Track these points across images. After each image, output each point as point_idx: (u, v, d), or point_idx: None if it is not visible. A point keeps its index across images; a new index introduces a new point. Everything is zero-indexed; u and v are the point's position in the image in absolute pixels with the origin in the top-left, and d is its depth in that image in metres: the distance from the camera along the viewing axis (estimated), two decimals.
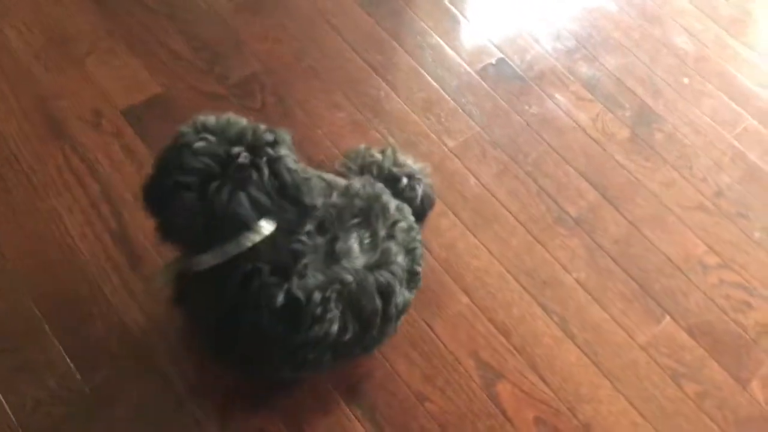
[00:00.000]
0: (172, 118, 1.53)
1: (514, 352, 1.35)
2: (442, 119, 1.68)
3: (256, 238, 0.92)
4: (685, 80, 1.93)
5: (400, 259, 1.12)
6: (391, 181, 1.30)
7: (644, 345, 1.41)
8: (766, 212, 1.69)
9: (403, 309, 1.16)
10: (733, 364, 1.43)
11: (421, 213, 1.36)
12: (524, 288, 1.45)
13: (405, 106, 1.69)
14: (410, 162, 1.39)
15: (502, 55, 1.85)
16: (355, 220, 1.10)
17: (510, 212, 1.55)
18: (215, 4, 1.76)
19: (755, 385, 1.40)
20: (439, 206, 1.53)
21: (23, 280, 1.28)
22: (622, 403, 1.34)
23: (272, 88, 1.64)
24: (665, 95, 1.88)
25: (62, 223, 1.35)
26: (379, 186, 1.21)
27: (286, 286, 0.97)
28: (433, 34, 1.85)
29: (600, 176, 1.66)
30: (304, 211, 0.97)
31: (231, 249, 0.92)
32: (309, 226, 1.00)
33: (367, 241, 1.09)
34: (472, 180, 1.59)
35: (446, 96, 1.73)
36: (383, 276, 1.07)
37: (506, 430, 1.27)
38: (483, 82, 1.78)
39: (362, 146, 1.38)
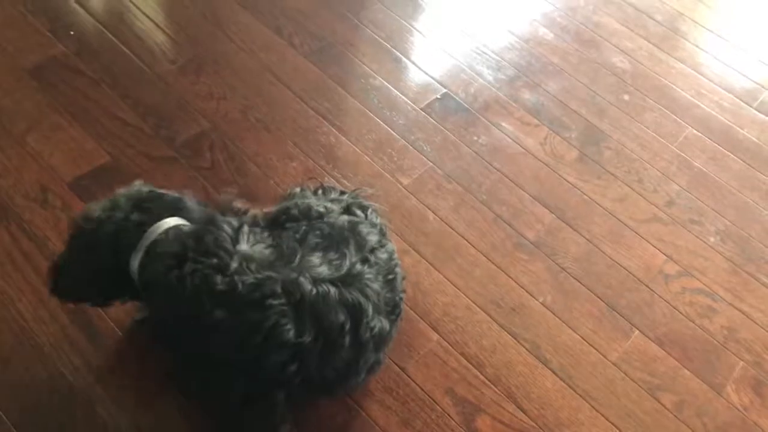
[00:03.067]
0: (121, 185, 1.50)
1: (489, 384, 1.34)
2: (395, 158, 1.70)
3: (163, 227, 1.05)
4: (626, 97, 1.99)
5: (375, 285, 1.09)
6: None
7: (617, 361, 1.42)
8: (717, 216, 1.73)
9: (381, 338, 1.11)
10: (706, 370, 1.44)
11: None
12: (492, 318, 1.44)
13: (357, 149, 1.70)
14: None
15: (446, 90, 1.89)
16: (321, 241, 1.09)
17: (470, 243, 1.56)
18: (157, 68, 1.76)
19: (730, 390, 1.41)
20: (400, 244, 1.53)
21: None
22: (603, 423, 1.33)
23: (222, 145, 1.63)
24: (608, 113, 1.93)
25: (14, 307, 1.31)
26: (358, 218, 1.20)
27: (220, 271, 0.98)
28: (377, 77, 1.88)
29: (554, 198, 1.69)
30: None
31: (147, 238, 1.04)
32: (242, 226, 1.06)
33: (334, 260, 1.07)
34: (431, 215, 1.60)
35: (396, 135, 1.75)
36: (351, 294, 1.04)
37: None
38: (430, 118, 1.81)
39: (297, 188, 1.33)
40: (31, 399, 1.20)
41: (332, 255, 1.07)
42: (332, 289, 1.02)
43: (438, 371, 1.35)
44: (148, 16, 1.87)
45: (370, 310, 1.06)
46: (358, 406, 1.27)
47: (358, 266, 1.07)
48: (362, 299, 1.04)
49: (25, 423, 1.17)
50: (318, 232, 1.11)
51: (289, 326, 0.98)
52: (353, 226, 1.14)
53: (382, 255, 1.15)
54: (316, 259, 1.05)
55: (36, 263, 1.37)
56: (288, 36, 1.92)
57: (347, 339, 1.03)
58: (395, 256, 1.20)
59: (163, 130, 1.63)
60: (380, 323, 1.09)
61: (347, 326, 1.03)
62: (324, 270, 1.04)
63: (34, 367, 1.24)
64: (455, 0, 2.19)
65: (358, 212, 1.23)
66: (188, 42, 1.85)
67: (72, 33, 1.77)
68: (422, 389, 1.32)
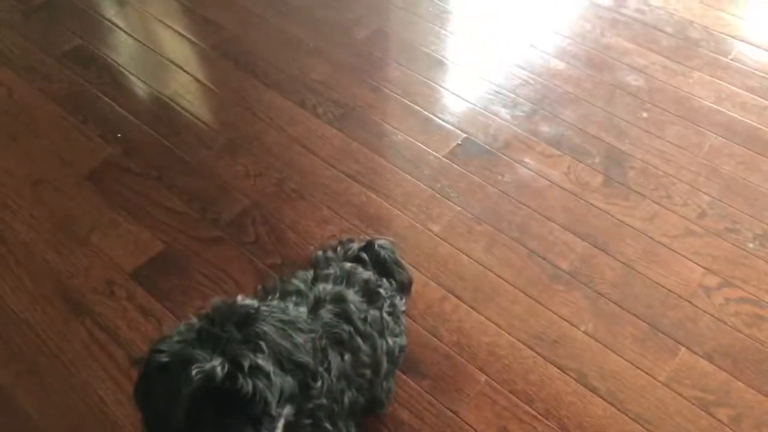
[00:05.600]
0: (177, 270, 1.65)
1: (541, 418, 1.38)
2: (423, 208, 1.78)
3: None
4: (645, 114, 2.02)
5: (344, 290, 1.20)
6: (358, 259, 1.39)
7: (666, 381, 1.43)
8: (753, 220, 1.73)
9: (378, 324, 1.21)
10: (760, 379, 1.43)
11: (395, 277, 1.42)
12: (537, 352, 1.49)
13: (387, 205, 1.79)
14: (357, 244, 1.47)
15: (466, 135, 1.97)
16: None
17: (507, 281, 1.62)
18: (197, 156, 1.91)
19: None
20: (439, 291, 1.60)
21: None
22: None
23: (262, 219, 1.76)
24: (629, 134, 1.97)
25: (96, 394, 1.44)
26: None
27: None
28: (399, 132, 1.98)
29: (584, 226, 1.73)
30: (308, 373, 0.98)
31: None
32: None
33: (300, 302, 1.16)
34: (465, 259, 1.67)
35: (422, 185, 1.83)
36: (337, 307, 1.15)
37: None
38: (453, 164, 1.89)
39: (319, 252, 1.47)
40: None
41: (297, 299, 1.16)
42: (326, 315, 1.12)
43: (489, 411, 1.39)
44: (185, 109, 2.04)
45: (354, 308, 1.17)
46: None
47: (320, 286, 1.19)
48: (344, 305, 1.16)
49: None
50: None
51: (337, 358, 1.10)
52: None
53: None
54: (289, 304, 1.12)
55: (111, 352, 1.50)
56: (312, 107, 2.05)
57: (358, 339, 1.15)
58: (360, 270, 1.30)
59: (209, 212, 1.77)
60: (370, 313, 1.20)
61: (351, 329, 1.14)
62: (303, 309, 1.10)
63: None
64: (466, 47, 2.28)
65: (364, 255, 1.37)
66: (222, 127, 2.00)
67: (119, 135, 1.95)
68: (475, 430, 1.37)
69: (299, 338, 0.94)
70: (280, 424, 0.90)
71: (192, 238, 1.71)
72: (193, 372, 0.82)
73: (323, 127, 1.99)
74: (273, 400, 0.86)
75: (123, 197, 1.81)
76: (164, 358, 0.86)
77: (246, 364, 0.84)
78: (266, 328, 0.89)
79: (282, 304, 1.00)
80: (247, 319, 0.89)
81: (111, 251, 1.69)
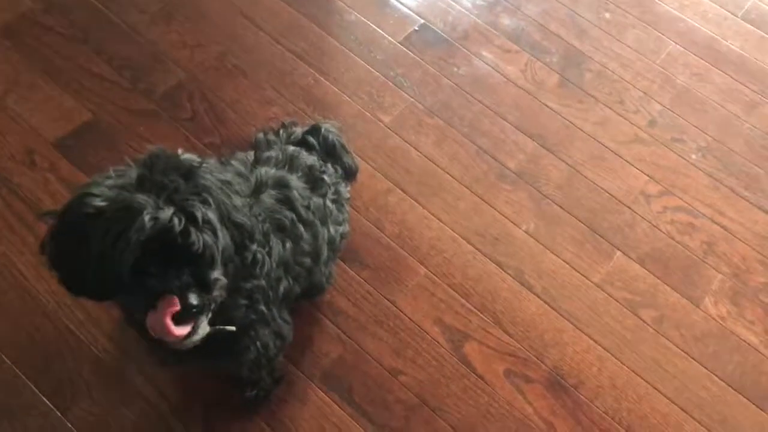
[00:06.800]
0: (105, 142, 1.53)
1: (476, 311, 1.40)
2: (374, 96, 1.70)
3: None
4: (607, 15, 1.96)
5: (285, 174, 1.14)
6: (304, 142, 1.31)
7: (599, 283, 1.47)
8: (699, 132, 1.75)
9: (321, 211, 1.17)
10: (685, 285, 1.49)
11: (342, 162, 1.34)
12: (477, 248, 1.49)
13: (336, 89, 1.70)
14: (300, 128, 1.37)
15: (423, 21, 1.86)
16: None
17: (453, 177, 1.59)
18: (129, 20, 1.73)
19: (708, 302, 1.48)
20: (384, 183, 1.56)
21: None
22: (586, 341, 1.40)
23: (200, 94, 1.63)
24: (589, 34, 1.91)
25: (15, 267, 1.35)
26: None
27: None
28: (353, 11, 1.85)
29: (535, 126, 1.70)
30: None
31: None
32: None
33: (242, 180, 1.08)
34: (413, 152, 1.62)
35: (374, 72, 1.74)
36: (279, 193, 1.09)
37: (479, 387, 1.32)
38: (409, 52, 1.79)
39: (260, 134, 1.35)
40: (42, 353, 1.27)
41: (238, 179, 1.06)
42: (268, 200, 1.06)
43: (426, 302, 1.40)
44: None
45: (297, 195, 1.10)
46: (352, 340, 1.34)
47: (261, 169, 1.11)
48: (287, 191, 1.09)
49: (40, 376, 1.24)
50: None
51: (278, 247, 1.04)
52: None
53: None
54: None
55: (30, 224, 1.40)
56: None
57: (300, 227, 1.09)
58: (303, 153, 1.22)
59: (141, 83, 1.63)
60: (312, 201, 1.14)
61: (293, 216, 1.08)
62: (243, 188, 1.00)
63: (41, 322, 1.30)
64: None
65: (310, 139, 1.28)
66: None
67: None
68: (411, 320, 1.38)
69: (237, 200, 0.87)
70: (221, 286, 0.85)
71: (122, 109, 1.58)
72: (146, 218, 0.73)
73: None
74: (218, 259, 0.80)
75: (44, 59, 1.63)
76: (99, 202, 0.76)
77: (200, 217, 0.77)
78: (210, 183, 0.82)
79: (218, 165, 0.91)
80: (191, 172, 0.81)
81: (31, 117, 1.54)
